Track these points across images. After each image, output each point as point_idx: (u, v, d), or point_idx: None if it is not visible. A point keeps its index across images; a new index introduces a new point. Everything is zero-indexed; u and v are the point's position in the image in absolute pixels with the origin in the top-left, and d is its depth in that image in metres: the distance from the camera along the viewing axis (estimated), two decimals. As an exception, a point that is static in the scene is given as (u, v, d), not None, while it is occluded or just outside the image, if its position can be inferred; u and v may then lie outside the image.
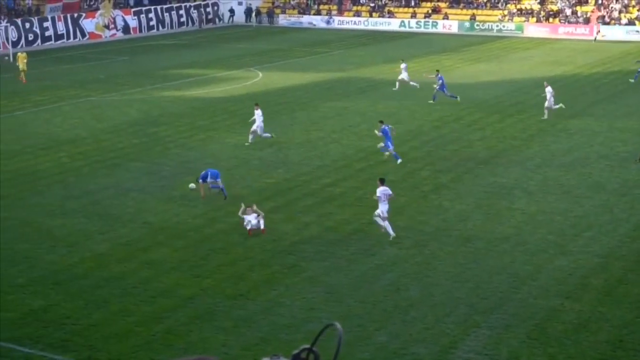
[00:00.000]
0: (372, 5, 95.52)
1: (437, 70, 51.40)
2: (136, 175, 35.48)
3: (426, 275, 25.03)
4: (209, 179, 31.92)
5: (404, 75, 53.84)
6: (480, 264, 25.87)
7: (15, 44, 73.60)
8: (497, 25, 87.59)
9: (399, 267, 25.76)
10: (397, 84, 54.14)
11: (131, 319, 22.22)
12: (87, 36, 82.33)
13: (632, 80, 56.15)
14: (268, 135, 39.89)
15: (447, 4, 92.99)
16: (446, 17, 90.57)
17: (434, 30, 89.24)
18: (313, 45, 79.30)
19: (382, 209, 27.80)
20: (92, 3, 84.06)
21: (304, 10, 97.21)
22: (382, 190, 28.03)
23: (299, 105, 50.09)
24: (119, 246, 27.45)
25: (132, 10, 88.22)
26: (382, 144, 37.04)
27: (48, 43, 78.42)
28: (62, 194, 32.99)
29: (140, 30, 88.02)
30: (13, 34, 74.51)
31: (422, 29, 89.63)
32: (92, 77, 61.10)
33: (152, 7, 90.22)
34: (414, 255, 26.55)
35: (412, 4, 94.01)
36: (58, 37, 79.81)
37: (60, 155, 38.69)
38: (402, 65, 54.27)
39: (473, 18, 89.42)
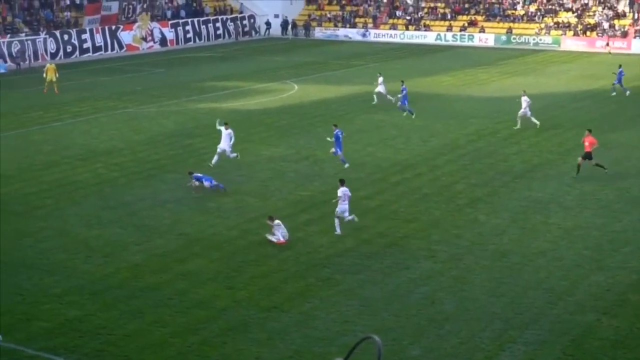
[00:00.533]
0: (408, 18, 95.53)
1: (402, 81, 51.44)
2: (172, 186, 35.65)
3: (461, 289, 24.90)
4: (203, 181, 34.45)
5: (380, 88, 53.25)
6: (516, 279, 25.69)
7: (53, 55, 74.40)
8: (534, 39, 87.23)
9: (434, 280, 25.64)
10: (375, 97, 53.77)
11: (166, 329, 22.29)
12: (125, 48, 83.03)
13: (614, 94, 56.66)
14: (235, 155, 38.27)
15: (484, 17, 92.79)
16: (482, 30, 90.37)
17: (470, 43, 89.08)
18: (349, 58, 79.39)
19: (342, 208, 29.50)
20: (130, 15, 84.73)
21: (340, 23, 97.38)
22: (342, 191, 29.64)
23: (335, 117, 50.03)
24: (155, 257, 27.57)
25: (170, 22, 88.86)
26: (333, 149, 37.93)
27: (86, 55, 79.16)
28: (99, 204, 33.23)
29: (177, 43, 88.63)
30: (52, 46, 75.31)
31: (458, 42, 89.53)
32: (129, 88, 61.58)
33: (189, 20, 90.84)
34: (449, 269, 26.43)
35: (449, 17, 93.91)
36: (96, 49, 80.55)
37: (97, 166, 38.98)
38: (380, 79, 53.60)
39: (510, 31, 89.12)
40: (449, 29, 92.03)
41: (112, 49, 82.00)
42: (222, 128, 38.13)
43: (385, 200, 33.61)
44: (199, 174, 35.17)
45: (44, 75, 59.82)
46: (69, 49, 77.88)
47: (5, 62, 70.57)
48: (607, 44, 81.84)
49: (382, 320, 22.87)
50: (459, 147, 42.70)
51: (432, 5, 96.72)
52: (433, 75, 67.20)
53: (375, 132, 46.14)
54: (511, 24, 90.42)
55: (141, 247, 28.49)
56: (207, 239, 29.32)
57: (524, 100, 46.52)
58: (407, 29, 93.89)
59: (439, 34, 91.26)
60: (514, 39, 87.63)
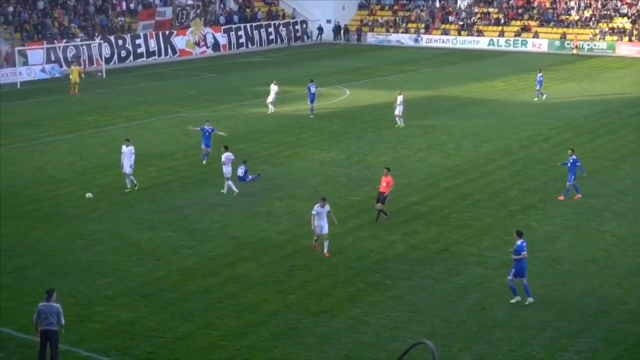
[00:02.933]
0: (460, 23, 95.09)
1: (311, 80, 52.72)
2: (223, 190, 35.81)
3: (512, 296, 24.65)
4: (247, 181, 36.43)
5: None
6: (568, 286, 25.41)
7: (108, 60, 75.24)
8: (589, 44, 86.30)
9: (484, 287, 25.45)
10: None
11: (216, 333, 22.40)
12: (178, 53, 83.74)
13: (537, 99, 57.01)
14: (131, 179, 36.01)
15: (537, 22, 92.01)
16: (536, 35, 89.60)
17: (523, 49, 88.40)
18: (401, 63, 79.24)
19: (226, 170, 34.59)
20: (183, 21, 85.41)
21: (392, 29, 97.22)
22: (226, 156, 34.80)
23: (386, 122, 49.99)
24: (205, 260, 27.73)
25: (222, 27, 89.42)
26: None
27: (140, 60, 79.98)
28: (151, 208, 33.51)
29: (230, 48, 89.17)
30: (106, 51, 76.19)
31: (511, 48, 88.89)
32: (182, 93, 62.07)
33: (242, 25, 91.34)
34: (500, 276, 26.18)
35: (502, 22, 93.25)
36: (150, 54, 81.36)
37: (149, 169, 39.32)
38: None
39: (564, 37, 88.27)
40: (502, 34, 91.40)
41: (166, 54, 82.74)
42: (123, 146, 35.79)
43: (436, 206, 33.45)
44: (243, 174, 36.62)
45: (70, 76, 62.16)
46: (123, 53, 78.76)
47: (61, 66, 71.50)
48: (576, 47, 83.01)
49: (432, 326, 22.76)
50: (511, 152, 42.37)
51: (485, 10, 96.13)
52: (485, 80, 66.79)
53: (425, 137, 45.97)
54: (565, 30, 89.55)
55: (192, 250, 28.68)
56: (257, 243, 29.43)
57: (399, 99, 48.62)
58: (459, 34, 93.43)
59: (491, 39, 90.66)
60: (568, 44, 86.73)
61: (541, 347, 21.50)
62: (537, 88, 57.17)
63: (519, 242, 24.18)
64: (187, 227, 31.08)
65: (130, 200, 34.48)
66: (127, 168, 35.49)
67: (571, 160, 33.80)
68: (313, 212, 27.96)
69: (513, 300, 24.19)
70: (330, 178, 37.74)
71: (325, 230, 27.77)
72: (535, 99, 56.95)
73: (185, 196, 35.05)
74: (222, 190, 35.25)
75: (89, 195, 33.95)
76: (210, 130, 39.90)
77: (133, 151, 35.60)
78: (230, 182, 35.01)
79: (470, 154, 42.16)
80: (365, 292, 25.06)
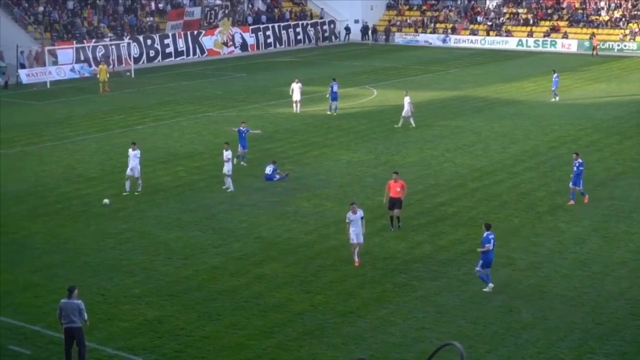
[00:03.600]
0: (489, 24, 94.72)
1: (334, 79, 53.78)
2: (250, 190, 35.91)
3: (540, 298, 24.56)
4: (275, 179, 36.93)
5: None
6: (597, 289, 25.25)
7: (137, 60, 75.60)
8: (619, 45, 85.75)
9: (511, 288, 25.34)
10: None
11: (243, 332, 22.45)
12: (206, 53, 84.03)
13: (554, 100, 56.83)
14: (139, 183, 35.69)
15: (567, 23, 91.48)
16: (565, 36, 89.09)
17: (552, 49, 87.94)
18: (429, 63, 79.07)
19: (227, 167, 35.15)
20: (211, 21, 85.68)
21: (420, 29, 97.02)
22: (226, 155, 35.23)
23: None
24: (232, 260, 27.81)
25: (250, 27, 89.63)
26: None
27: (168, 59, 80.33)
28: (179, 207, 33.65)
29: (258, 48, 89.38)
30: (135, 50, 76.56)
31: (539, 48, 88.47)
32: (209, 93, 62.28)
33: (270, 25, 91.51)
34: (528, 277, 26.10)
35: (531, 22, 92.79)
36: (178, 53, 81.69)
37: (177, 169, 39.48)
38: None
39: (593, 37, 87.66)
40: (530, 34, 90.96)
41: (194, 53, 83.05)
42: (130, 149, 35.62)
43: (464, 207, 33.35)
44: (271, 172, 37.20)
45: (98, 76, 63.35)
46: (152, 53, 79.14)
47: (90, 66, 71.96)
48: (595, 47, 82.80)
49: (458, 327, 22.70)
50: (539, 154, 42.16)
51: (514, 10, 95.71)
52: (514, 81, 66.50)
53: (453, 138, 45.85)
54: (595, 30, 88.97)
55: (219, 250, 28.77)
56: (284, 242, 29.47)
57: (406, 102, 48.27)
58: (488, 34, 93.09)
59: (520, 40, 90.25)
60: (598, 45, 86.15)
61: (569, 350, 21.38)
62: (553, 89, 56.91)
63: (485, 234, 24.98)
64: (214, 227, 31.18)
65: (158, 200, 34.63)
66: (132, 171, 35.09)
67: (577, 165, 33.10)
68: (346, 219, 27.29)
69: (486, 289, 24.92)
70: (357, 178, 37.73)
71: (361, 239, 27.04)
72: (552, 99, 56.70)
73: (212, 195, 35.16)
74: (223, 187, 35.74)
75: (105, 201, 34.00)
76: (245, 132, 39.84)
77: (139, 155, 35.23)
78: (229, 180, 35.64)
79: (498, 154, 42.00)
80: (392, 293, 25.03)
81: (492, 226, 25.53)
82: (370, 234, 29.15)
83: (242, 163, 39.79)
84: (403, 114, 48.69)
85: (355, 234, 26.89)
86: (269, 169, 37.11)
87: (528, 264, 27.16)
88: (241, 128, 40.07)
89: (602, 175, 37.70)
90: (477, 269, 25.10)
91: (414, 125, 48.31)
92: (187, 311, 23.80)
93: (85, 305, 20.41)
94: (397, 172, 31.47)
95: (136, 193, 35.17)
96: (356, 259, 27.08)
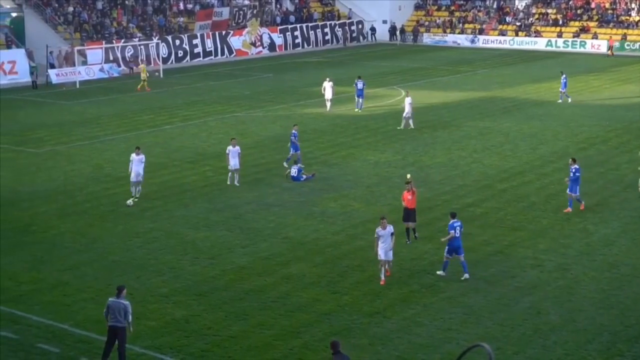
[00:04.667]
0: (518, 24, 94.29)
1: (359, 76, 54.84)
2: (277, 190, 35.97)
3: (568, 300, 24.43)
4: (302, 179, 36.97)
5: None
6: (626, 291, 25.07)
7: (165, 60, 75.94)
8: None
9: (540, 290, 25.22)
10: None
11: (269, 332, 22.49)
12: (234, 53, 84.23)
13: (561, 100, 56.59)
14: (139, 189, 34.87)
15: (597, 23, 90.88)
16: (595, 36, 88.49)
17: (581, 50, 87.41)
18: (457, 64, 78.84)
19: (233, 162, 35.84)
20: (240, 21, 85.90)
21: (448, 29, 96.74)
22: (231, 150, 35.87)
23: (441, 123, 49.82)
24: (260, 260, 27.86)
25: (279, 28, 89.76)
26: None
27: (197, 60, 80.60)
28: (207, 207, 33.75)
29: (286, 48, 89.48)
30: (164, 51, 76.88)
31: (569, 49, 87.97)
32: (237, 93, 62.44)
33: (298, 25, 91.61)
34: (556, 279, 25.96)
35: (560, 23, 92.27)
36: (206, 54, 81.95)
37: (205, 169, 39.61)
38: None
39: (624, 38, 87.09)
40: (560, 35, 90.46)
41: (222, 54, 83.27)
42: (133, 154, 34.85)
43: (491, 208, 33.22)
44: (297, 173, 37.28)
45: (141, 75, 64.57)
46: (180, 53, 79.43)
47: (119, 66, 72.38)
48: (611, 47, 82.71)
49: (486, 329, 22.61)
50: (568, 154, 41.80)
51: (543, 11, 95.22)
52: (543, 81, 66.16)
53: (481, 138, 45.68)
54: (626, 30, 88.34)
55: (246, 249, 28.83)
56: (311, 243, 29.49)
57: (407, 102, 47.95)
58: (516, 35, 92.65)
59: (549, 40, 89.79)
60: (628, 45, 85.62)
61: (597, 352, 21.24)
62: (562, 90, 56.52)
63: (450, 222, 26.09)
64: (241, 227, 31.25)
65: (185, 200, 34.75)
66: (137, 176, 34.31)
67: (573, 170, 32.34)
68: (375, 234, 25.92)
69: (439, 272, 26.19)
70: (384, 179, 37.68)
71: (390, 255, 25.81)
72: (560, 101, 56.25)
73: (240, 195, 35.24)
74: (228, 183, 36.53)
75: (129, 202, 34.03)
76: (295, 134, 39.38)
77: (143, 160, 34.64)
78: (236, 174, 36.52)
79: (526, 155, 41.81)
80: (419, 294, 24.98)
81: (457, 214, 26.55)
82: (397, 234, 28.83)
83: (299, 165, 38.74)
84: (404, 115, 48.33)
85: (384, 250, 25.57)
86: (294, 171, 37.16)
87: (556, 266, 27.02)
88: (293, 131, 39.60)
89: (631, 177, 37.39)
90: (445, 255, 26.06)
91: (412, 127, 47.87)
92: (214, 311, 23.87)
93: (132, 308, 20.49)
94: (410, 180, 29.84)
95: (135, 199, 34.27)
96: (382, 277, 25.73)
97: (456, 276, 26.22)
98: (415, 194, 29.37)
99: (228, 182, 36.63)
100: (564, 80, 56.24)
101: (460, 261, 25.94)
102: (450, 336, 22.16)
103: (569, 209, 32.60)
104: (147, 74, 64.54)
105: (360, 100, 53.91)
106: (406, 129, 47.87)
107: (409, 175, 31.17)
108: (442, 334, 22.33)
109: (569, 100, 56.10)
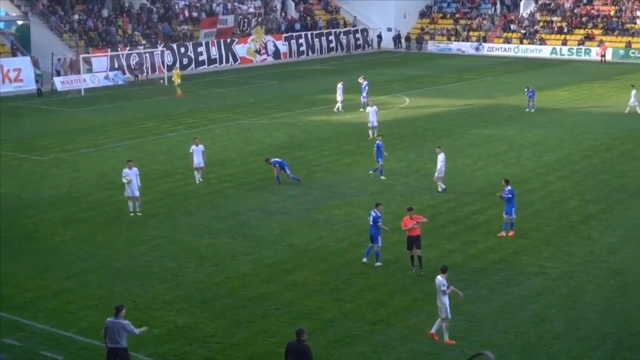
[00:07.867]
0: (522, 32, 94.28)
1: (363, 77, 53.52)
2: (281, 197, 35.97)
3: (572, 308, 24.38)
4: (286, 169, 37.87)
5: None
6: (630, 298, 25.02)
7: (170, 68, 76.00)
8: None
9: (544, 298, 25.17)
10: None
11: (272, 339, 22.46)
12: (239, 61, 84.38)
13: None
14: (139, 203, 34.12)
15: (602, 31, 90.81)
16: (600, 44, 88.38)
17: (586, 57, 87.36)
18: (461, 71, 78.85)
19: (197, 161, 37.37)
20: (244, 29, 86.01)
21: (453, 37, 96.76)
22: (194, 149, 37.61)
23: (445, 131, 49.82)
24: (263, 267, 27.84)
25: (283, 35, 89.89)
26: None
27: (201, 67, 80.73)
28: (210, 214, 33.76)
29: (290, 56, 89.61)
30: (169, 58, 77.01)
31: (574, 57, 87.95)
32: (242, 100, 62.49)
33: (303, 33, 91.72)
34: (560, 287, 25.91)
35: (565, 30, 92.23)
36: (211, 61, 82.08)
37: (209, 176, 39.60)
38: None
39: (629, 45, 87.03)
40: (565, 42, 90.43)
41: (227, 61, 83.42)
42: (126, 169, 33.90)
43: (496, 216, 33.13)
44: (278, 159, 38.47)
45: (173, 79, 65.74)
46: (185, 61, 79.55)
47: (124, 73, 72.49)
48: (604, 53, 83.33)
49: (489, 336, 22.57)
50: (572, 162, 41.88)
51: (548, 19, 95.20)
52: (548, 89, 66.08)
53: (486, 146, 45.65)
54: (630, 38, 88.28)
55: (250, 257, 28.82)
56: (315, 250, 29.47)
57: (372, 111, 47.62)
58: (521, 42, 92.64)
59: (554, 48, 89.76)
60: (633, 53, 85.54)
61: (601, 360, 21.20)
62: (531, 98, 56.42)
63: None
64: (245, 234, 31.25)
65: (189, 207, 34.77)
66: (134, 191, 33.37)
67: (506, 192, 30.89)
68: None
69: (364, 260, 27.77)
70: (388, 186, 37.66)
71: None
72: (527, 110, 56.16)
73: (243, 203, 35.25)
74: (196, 183, 38.04)
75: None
76: (380, 145, 39.00)
77: (137, 173, 33.84)
78: (200, 172, 38.20)
79: (530, 163, 41.77)
80: (422, 301, 24.94)
81: (381, 204, 28.58)
82: (401, 242, 28.87)
83: (381, 177, 38.82)
84: (370, 125, 47.60)
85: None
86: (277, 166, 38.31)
87: (560, 273, 26.97)
88: (378, 142, 39.25)
89: (636, 185, 37.36)
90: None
91: (371, 137, 46.66)
92: (218, 318, 23.86)
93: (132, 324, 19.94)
94: (412, 208, 28.15)
95: (138, 214, 33.75)
96: (434, 328, 22.72)
97: (460, 284, 26.16)
98: (423, 220, 27.82)
99: (196, 182, 38.06)
100: (531, 95, 56.23)
101: (375, 250, 27.75)
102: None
103: (502, 234, 30.65)
104: (180, 80, 65.04)
105: (364, 100, 55.14)
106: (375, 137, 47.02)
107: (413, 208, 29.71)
108: (446, 341, 22.28)
109: (533, 110, 55.74)
